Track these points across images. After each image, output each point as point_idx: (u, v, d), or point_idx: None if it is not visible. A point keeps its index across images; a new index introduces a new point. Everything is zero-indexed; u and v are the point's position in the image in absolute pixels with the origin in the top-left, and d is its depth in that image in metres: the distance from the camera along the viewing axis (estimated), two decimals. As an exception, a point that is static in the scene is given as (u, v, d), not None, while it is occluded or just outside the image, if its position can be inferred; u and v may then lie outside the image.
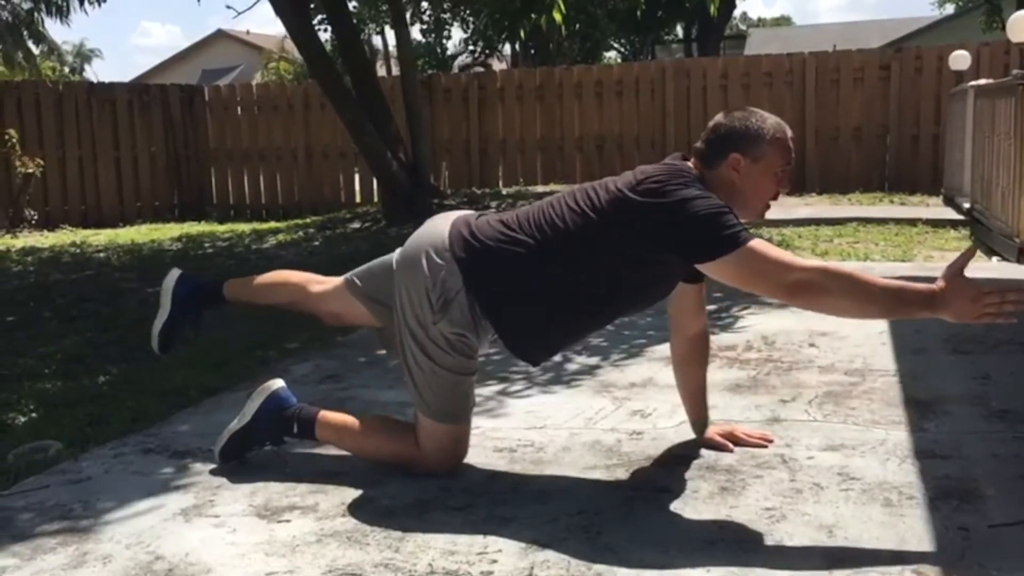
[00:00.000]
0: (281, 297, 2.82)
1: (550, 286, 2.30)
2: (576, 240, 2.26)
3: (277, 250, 8.36)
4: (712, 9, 9.39)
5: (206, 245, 8.85)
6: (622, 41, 27.59)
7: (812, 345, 3.78)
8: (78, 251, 8.68)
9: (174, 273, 2.87)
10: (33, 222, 10.98)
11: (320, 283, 2.72)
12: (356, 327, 3.53)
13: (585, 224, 2.26)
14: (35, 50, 32.24)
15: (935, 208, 8.97)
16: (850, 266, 5.71)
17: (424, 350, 2.37)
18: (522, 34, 10.91)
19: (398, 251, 2.51)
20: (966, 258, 2.04)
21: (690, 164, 2.33)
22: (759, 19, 46.64)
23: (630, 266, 2.26)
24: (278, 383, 2.61)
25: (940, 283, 2.00)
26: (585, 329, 2.52)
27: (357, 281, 2.59)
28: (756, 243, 2.12)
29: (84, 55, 42.52)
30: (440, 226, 2.44)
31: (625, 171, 2.38)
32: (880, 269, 5.66)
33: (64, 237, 10.22)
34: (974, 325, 2.03)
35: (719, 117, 2.39)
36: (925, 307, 2.01)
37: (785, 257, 2.14)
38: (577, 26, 20.16)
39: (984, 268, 5.84)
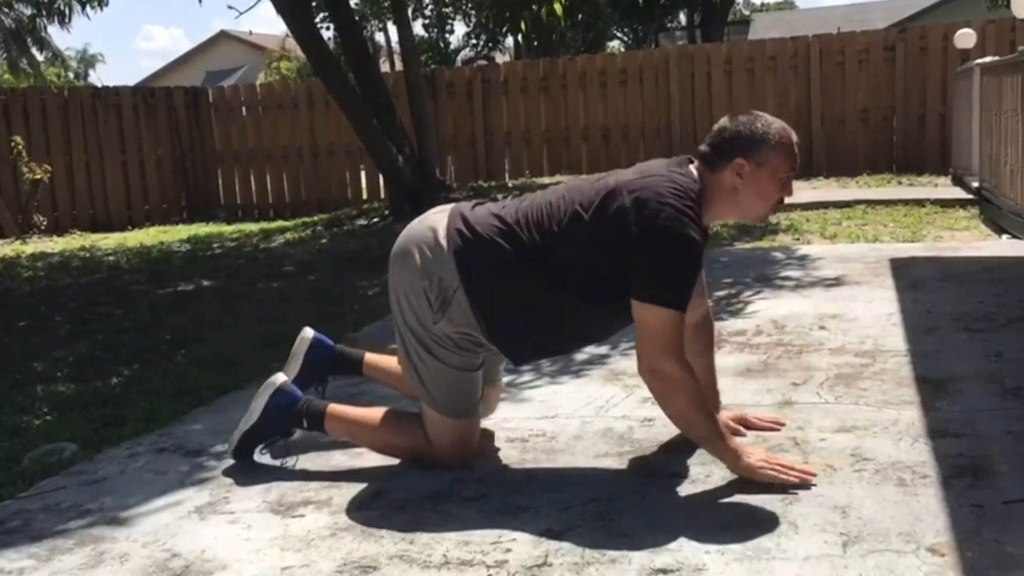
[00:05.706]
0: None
1: (538, 286, 2.30)
2: (564, 243, 2.26)
3: (285, 249, 8.37)
4: (715, -6, 9.35)
5: (214, 246, 8.87)
6: (625, 30, 27.51)
7: (822, 328, 3.77)
8: (88, 255, 8.71)
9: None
10: (42, 228, 11.01)
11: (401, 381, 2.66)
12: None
13: (576, 228, 2.26)
14: (39, 57, 32.35)
15: (944, 188, 8.92)
16: (856, 251, 5.71)
17: (427, 348, 2.37)
18: (524, 26, 10.88)
19: None
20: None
21: (694, 171, 2.32)
22: (763, 4, 46.28)
23: (610, 280, 2.26)
24: (282, 378, 2.60)
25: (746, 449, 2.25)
26: (570, 338, 2.52)
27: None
28: (674, 317, 2.19)
29: (88, 60, 42.70)
30: (431, 220, 2.43)
31: (634, 162, 2.37)
32: (890, 250, 5.64)
33: (73, 242, 10.26)
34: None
35: (724, 120, 2.37)
36: (729, 460, 2.24)
37: (675, 346, 2.20)
38: (579, 16, 20.10)
39: (995, 247, 5.82)
